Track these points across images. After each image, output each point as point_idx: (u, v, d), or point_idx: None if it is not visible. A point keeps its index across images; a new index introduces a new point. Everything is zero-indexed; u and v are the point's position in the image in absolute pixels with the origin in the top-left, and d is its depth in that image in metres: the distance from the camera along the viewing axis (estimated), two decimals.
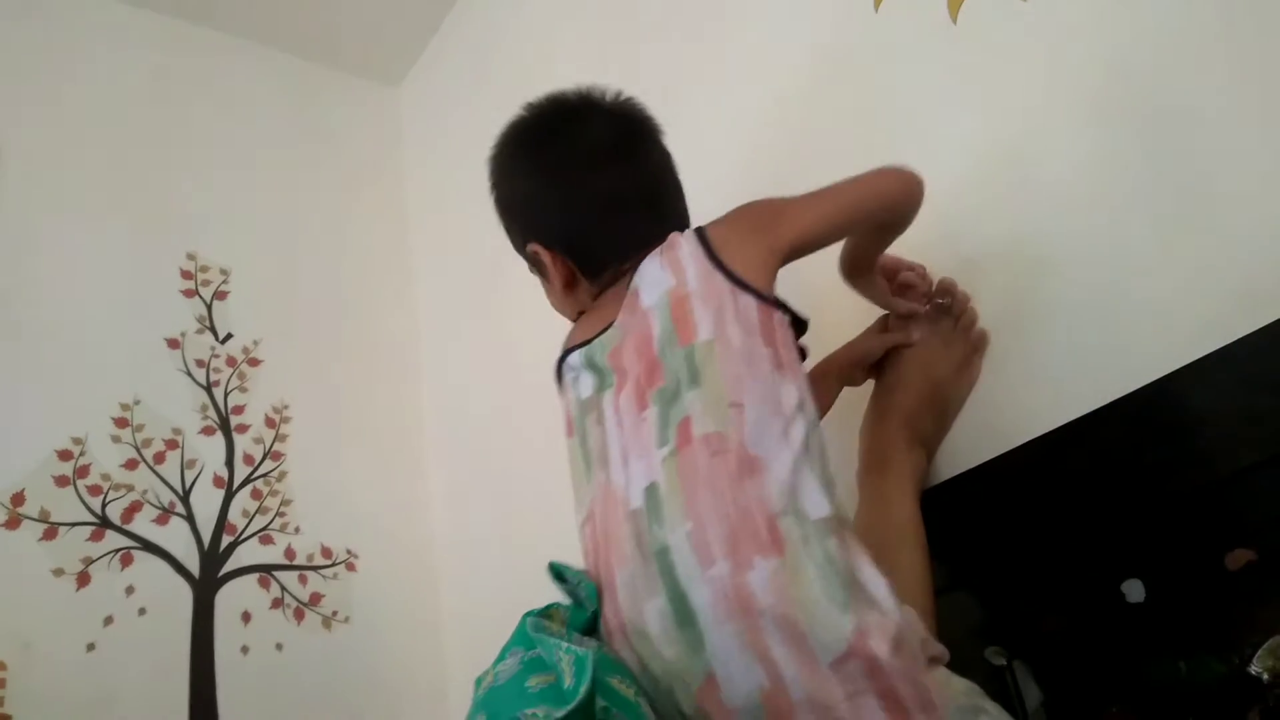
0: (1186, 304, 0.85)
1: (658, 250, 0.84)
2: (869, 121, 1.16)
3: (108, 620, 1.49)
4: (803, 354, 0.83)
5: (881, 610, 0.66)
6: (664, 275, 0.81)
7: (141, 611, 1.52)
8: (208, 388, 1.73)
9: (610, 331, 0.83)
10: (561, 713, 0.56)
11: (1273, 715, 0.77)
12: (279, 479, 1.74)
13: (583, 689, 0.56)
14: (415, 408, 1.95)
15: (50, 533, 1.50)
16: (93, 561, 1.51)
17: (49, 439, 1.55)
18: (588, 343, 0.86)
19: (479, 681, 0.69)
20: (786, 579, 0.65)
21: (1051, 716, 0.86)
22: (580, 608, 0.76)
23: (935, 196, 1.07)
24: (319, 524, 1.74)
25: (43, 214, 1.69)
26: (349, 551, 1.75)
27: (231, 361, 1.78)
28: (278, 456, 1.75)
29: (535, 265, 0.95)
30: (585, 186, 0.90)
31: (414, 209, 2.11)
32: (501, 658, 0.69)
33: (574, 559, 1.55)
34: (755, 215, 0.85)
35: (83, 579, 1.50)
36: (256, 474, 1.72)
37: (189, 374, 1.72)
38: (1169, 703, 0.84)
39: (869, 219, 0.91)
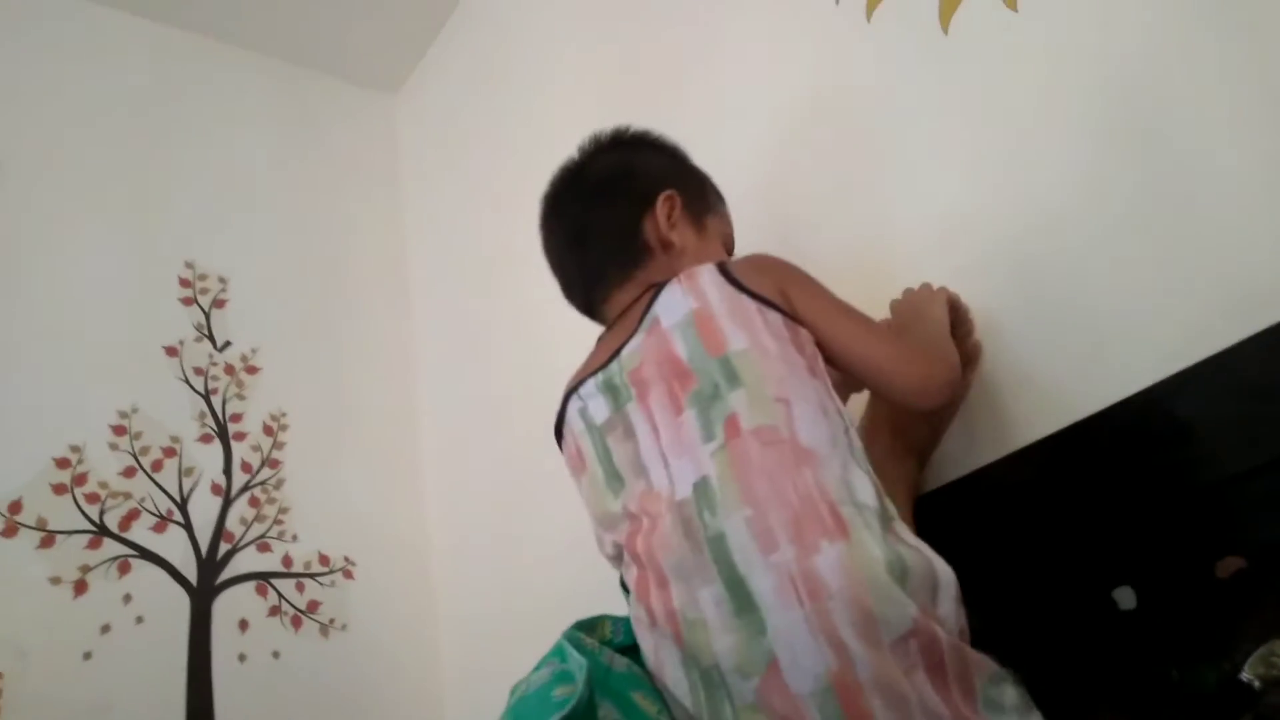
0: (1176, 312, 0.86)
1: (678, 278, 0.87)
2: (860, 131, 1.17)
3: (105, 628, 1.49)
4: None
5: (940, 589, 0.68)
6: (686, 299, 0.84)
7: (139, 620, 1.52)
8: (206, 395, 1.74)
9: (627, 354, 0.86)
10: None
11: None
12: (277, 487, 1.74)
13: (569, 705, 0.57)
14: (412, 416, 1.95)
15: (47, 541, 1.50)
16: (90, 570, 1.52)
17: (47, 447, 1.56)
18: (603, 368, 0.88)
19: (514, 690, 0.70)
20: (854, 561, 0.66)
21: None
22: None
23: (928, 206, 1.08)
24: (317, 532, 1.74)
25: (41, 222, 1.69)
26: (346, 559, 1.76)
27: (229, 369, 1.78)
28: (275, 464, 1.75)
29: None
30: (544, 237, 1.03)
31: (411, 216, 2.12)
32: (538, 668, 0.70)
33: (568, 565, 1.54)
34: (769, 261, 0.90)
35: (80, 587, 1.50)
36: (254, 482, 1.72)
37: (187, 382, 1.73)
38: (1160, 710, 0.84)
39: (858, 369, 0.86)
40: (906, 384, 0.84)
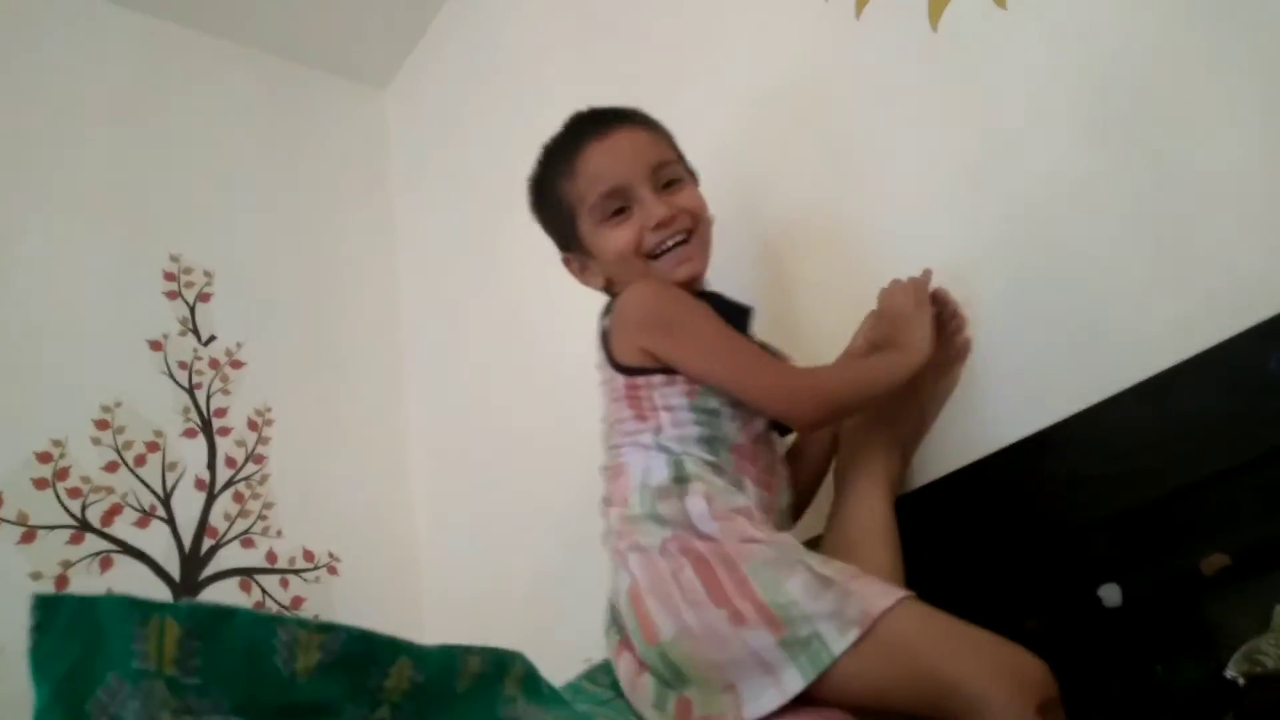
0: (1161, 310, 0.86)
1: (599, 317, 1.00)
2: (849, 130, 1.17)
3: None
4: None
5: (693, 516, 0.86)
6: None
7: None
8: (190, 390, 1.72)
9: None
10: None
11: (1248, 719, 0.77)
12: (261, 482, 1.73)
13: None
14: (398, 411, 1.94)
15: (28, 536, 1.49)
16: (71, 565, 1.50)
17: (28, 441, 1.54)
18: None
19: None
20: (625, 513, 0.89)
21: None
22: None
23: (916, 203, 1.08)
24: (301, 527, 1.73)
25: (25, 215, 1.67)
26: (331, 555, 1.74)
27: (214, 364, 1.77)
28: (260, 459, 1.74)
29: None
30: None
31: (398, 211, 2.11)
32: None
33: (555, 563, 1.54)
34: (635, 316, 0.95)
35: (61, 582, 1.48)
36: (238, 477, 1.71)
37: (171, 376, 1.71)
38: (1145, 706, 0.84)
39: (726, 389, 0.93)
40: (772, 410, 0.94)
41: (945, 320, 0.99)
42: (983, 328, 0.99)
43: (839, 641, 0.75)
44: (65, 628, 0.55)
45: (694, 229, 0.99)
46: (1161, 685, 0.83)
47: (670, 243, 0.98)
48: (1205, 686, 0.80)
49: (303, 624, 0.61)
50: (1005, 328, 0.97)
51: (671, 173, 1.01)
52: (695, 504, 0.86)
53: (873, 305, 1.02)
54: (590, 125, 1.03)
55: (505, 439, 1.67)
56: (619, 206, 0.98)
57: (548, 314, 1.62)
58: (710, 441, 0.91)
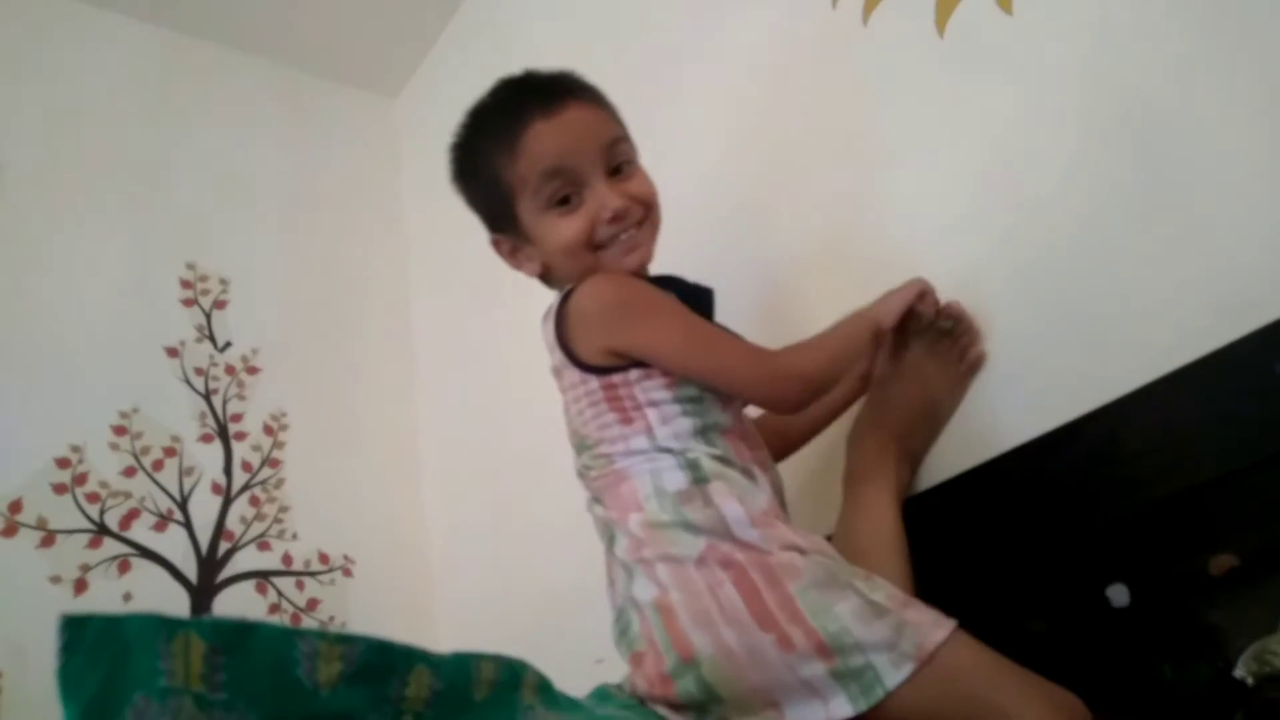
0: (1169, 313, 0.86)
1: (543, 316, 0.94)
2: (857, 135, 1.17)
3: None
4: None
5: (731, 524, 0.82)
6: (548, 353, 0.93)
7: None
8: (206, 396, 1.74)
9: None
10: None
11: (1257, 719, 0.78)
12: (276, 486, 1.74)
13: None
14: (411, 416, 1.96)
15: (48, 540, 1.51)
16: (90, 569, 1.52)
17: (47, 447, 1.56)
18: None
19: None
20: (648, 520, 0.84)
21: None
22: None
23: (924, 208, 1.09)
24: (316, 530, 1.75)
25: (43, 224, 1.70)
26: (346, 558, 1.76)
27: (230, 370, 1.79)
28: (275, 464, 1.76)
29: None
30: None
31: (410, 219, 2.13)
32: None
33: (566, 565, 1.54)
34: (594, 310, 0.89)
35: (80, 586, 1.50)
36: (254, 481, 1.73)
37: (188, 382, 1.73)
38: (1154, 707, 0.84)
39: (707, 381, 0.89)
40: (757, 399, 0.92)
41: (959, 334, 0.99)
42: (989, 330, 1.00)
43: (893, 675, 0.74)
44: (92, 647, 0.55)
45: (646, 217, 0.94)
46: (1170, 685, 0.83)
47: (622, 235, 0.92)
48: (1214, 686, 0.80)
49: (322, 635, 0.62)
50: (1013, 330, 0.98)
51: (623, 154, 0.93)
52: (730, 508, 0.82)
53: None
54: (534, 99, 0.92)
55: (515, 442, 1.68)
56: (567, 194, 0.91)
57: None
58: (705, 432, 0.87)
